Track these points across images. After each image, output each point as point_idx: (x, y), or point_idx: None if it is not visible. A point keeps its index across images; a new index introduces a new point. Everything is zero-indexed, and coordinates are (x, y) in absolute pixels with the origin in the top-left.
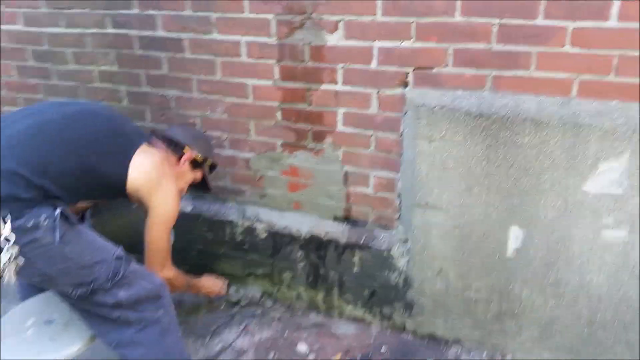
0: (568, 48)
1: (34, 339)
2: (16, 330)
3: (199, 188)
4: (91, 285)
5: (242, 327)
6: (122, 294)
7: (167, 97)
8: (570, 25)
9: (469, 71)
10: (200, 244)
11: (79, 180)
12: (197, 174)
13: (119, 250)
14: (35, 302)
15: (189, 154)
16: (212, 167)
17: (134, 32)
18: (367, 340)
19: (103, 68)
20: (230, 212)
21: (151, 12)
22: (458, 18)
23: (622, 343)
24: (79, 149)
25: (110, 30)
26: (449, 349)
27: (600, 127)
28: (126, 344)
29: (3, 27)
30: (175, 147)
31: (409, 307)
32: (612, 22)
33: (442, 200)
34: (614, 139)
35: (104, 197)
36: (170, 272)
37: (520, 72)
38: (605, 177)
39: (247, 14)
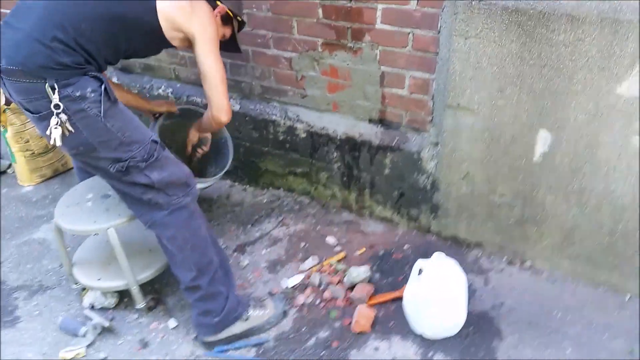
0: None
1: (91, 209)
2: (78, 201)
3: (228, 49)
4: (127, 162)
5: (279, 219)
6: (155, 175)
7: None
8: None
9: None
10: (247, 141)
11: (112, 33)
12: (227, 31)
13: (154, 135)
14: (95, 180)
15: (221, 7)
16: (241, 25)
17: None
18: (392, 239)
19: None
20: (273, 111)
21: None
22: None
23: None
24: (105, 1)
25: None
26: (470, 252)
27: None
28: (158, 224)
29: None
30: (209, 0)
31: (434, 209)
32: None
33: (473, 102)
34: None
35: (145, 47)
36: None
37: None
38: None
39: None
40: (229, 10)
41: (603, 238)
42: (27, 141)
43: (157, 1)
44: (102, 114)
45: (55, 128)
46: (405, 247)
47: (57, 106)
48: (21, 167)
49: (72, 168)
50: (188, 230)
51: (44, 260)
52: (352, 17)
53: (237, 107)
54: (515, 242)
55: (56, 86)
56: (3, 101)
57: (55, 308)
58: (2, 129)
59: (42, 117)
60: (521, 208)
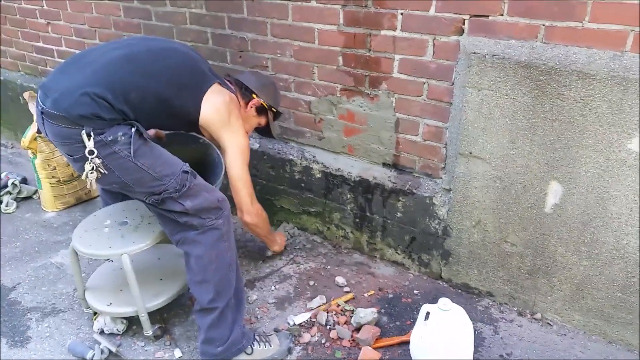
0: None
1: (108, 235)
2: (95, 227)
3: (263, 134)
4: (162, 195)
5: (291, 256)
6: (188, 203)
7: (245, 39)
8: None
9: (523, 20)
10: (264, 179)
11: (155, 109)
12: (262, 120)
13: (185, 166)
14: (114, 207)
15: (255, 100)
16: (276, 115)
17: None
18: (402, 283)
19: (193, 10)
20: (291, 151)
21: None
22: None
23: None
24: (158, 81)
25: None
26: (481, 300)
27: None
28: (188, 242)
29: None
30: (245, 92)
31: (446, 255)
32: None
33: (485, 151)
34: None
35: (177, 127)
36: (258, 205)
37: (573, 23)
38: None
39: None
40: (264, 102)
41: (615, 293)
42: (54, 168)
43: (203, 99)
44: (132, 155)
45: (91, 173)
46: (415, 291)
47: (91, 152)
48: (46, 193)
49: (95, 197)
50: (215, 251)
51: (59, 284)
52: (371, 66)
53: (256, 146)
54: (526, 292)
55: (92, 134)
56: (35, 129)
57: (66, 331)
58: (32, 156)
59: (76, 159)
60: (532, 258)
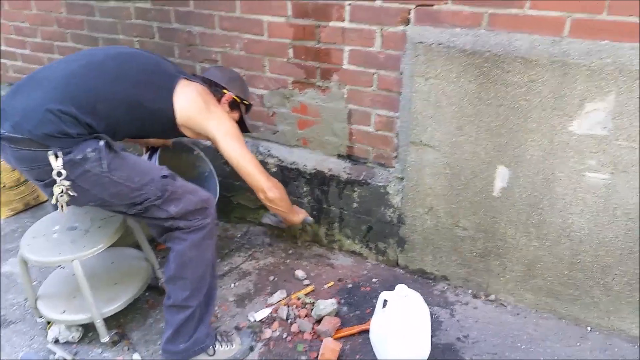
0: None
1: (57, 241)
2: (44, 233)
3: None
4: (143, 204)
5: (249, 253)
6: (173, 209)
7: (193, 33)
8: None
9: (467, 9)
10: (220, 176)
11: (127, 116)
12: (235, 115)
13: (164, 169)
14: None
15: (228, 94)
16: (248, 107)
17: None
18: (360, 272)
19: (138, 4)
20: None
21: None
22: None
23: (600, 286)
24: (124, 85)
25: None
26: (437, 285)
27: (588, 67)
28: (174, 238)
29: None
30: (216, 88)
31: (401, 243)
32: None
33: (435, 139)
34: (601, 79)
35: (157, 132)
36: (273, 178)
37: (515, 10)
38: (591, 118)
39: None
40: (236, 96)
41: (563, 271)
42: None
43: (174, 95)
44: (106, 170)
45: (61, 196)
46: (374, 280)
47: (59, 174)
48: None
49: (44, 201)
50: (197, 249)
51: (9, 294)
52: (321, 58)
53: (208, 143)
54: (480, 275)
55: (59, 154)
56: None
57: (18, 342)
58: None
59: (47, 184)
60: (484, 241)
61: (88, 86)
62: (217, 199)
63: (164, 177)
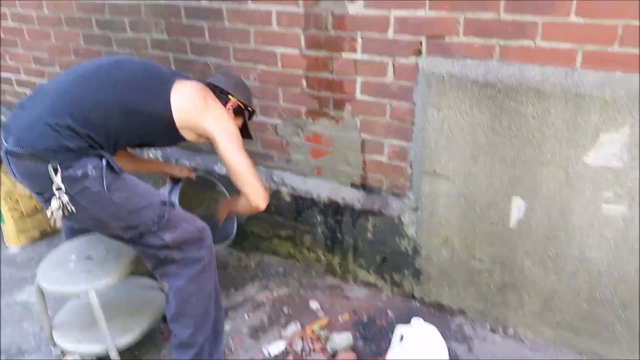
0: (573, 18)
1: (74, 270)
2: (61, 263)
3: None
4: (139, 229)
5: (263, 283)
6: (167, 236)
7: (209, 64)
8: None
9: (478, 40)
10: None
11: (124, 123)
12: (239, 121)
13: (163, 195)
14: (79, 241)
15: (233, 100)
16: (251, 114)
17: (181, 3)
18: (376, 304)
19: (155, 36)
20: (259, 175)
21: None
22: None
23: (621, 321)
24: (118, 91)
25: (162, 1)
26: (454, 318)
27: (602, 98)
28: (170, 274)
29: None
30: (221, 94)
31: (417, 274)
32: None
33: (448, 169)
34: (615, 111)
35: (157, 138)
36: (265, 188)
37: (526, 42)
38: (606, 150)
39: None
40: (240, 102)
41: (582, 305)
42: (17, 201)
43: (171, 97)
44: (105, 189)
45: (58, 209)
46: (389, 312)
47: (59, 188)
48: (9, 227)
49: (60, 230)
50: (196, 284)
51: (25, 323)
52: (334, 88)
53: (223, 171)
54: (497, 308)
55: (59, 168)
56: None
57: None
58: None
59: (47, 198)
60: (500, 274)
61: (80, 97)
62: (233, 235)
63: (163, 203)
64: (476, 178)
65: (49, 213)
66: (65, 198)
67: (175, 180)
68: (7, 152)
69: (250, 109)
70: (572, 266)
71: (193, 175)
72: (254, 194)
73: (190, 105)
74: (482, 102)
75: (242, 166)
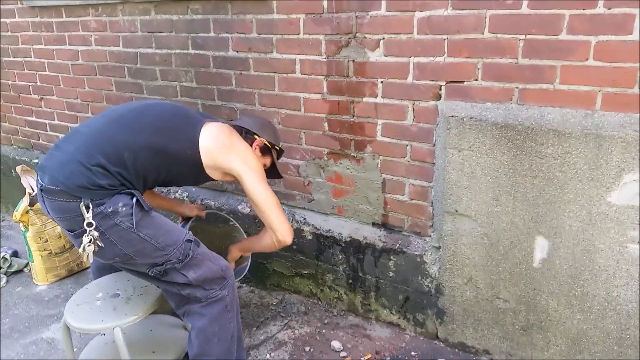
0: (591, 62)
1: (100, 308)
2: (88, 300)
3: (270, 175)
4: (164, 266)
5: (285, 322)
6: (191, 274)
7: (235, 109)
8: (593, 39)
9: (497, 84)
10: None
11: (153, 162)
12: (267, 160)
13: (189, 234)
14: (106, 279)
15: (259, 140)
16: (279, 154)
17: (210, 53)
18: (399, 344)
19: (184, 84)
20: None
21: (225, 34)
22: (487, 34)
23: None
24: (148, 131)
25: (191, 51)
26: (479, 359)
27: (624, 139)
28: (193, 314)
29: (108, 48)
30: (247, 135)
31: (440, 314)
32: (635, 35)
33: (470, 209)
34: (637, 151)
35: (184, 177)
36: (290, 226)
37: (545, 85)
38: (630, 189)
39: (302, 35)
40: (267, 142)
41: (611, 346)
42: (46, 241)
43: (200, 138)
44: (134, 226)
45: (89, 245)
46: (413, 353)
47: (89, 224)
48: (37, 266)
49: (87, 268)
50: (219, 323)
51: None
52: (355, 130)
53: (247, 210)
54: (523, 349)
55: (90, 205)
56: (27, 202)
57: None
58: (23, 229)
59: (77, 234)
60: (525, 314)
61: (112, 138)
62: (247, 269)
63: (188, 241)
64: (499, 218)
65: (80, 249)
66: (96, 234)
67: (187, 219)
68: (42, 190)
69: (277, 148)
70: (599, 306)
71: (203, 214)
72: (281, 229)
73: (217, 145)
74: (503, 143)
75: (268, 202)
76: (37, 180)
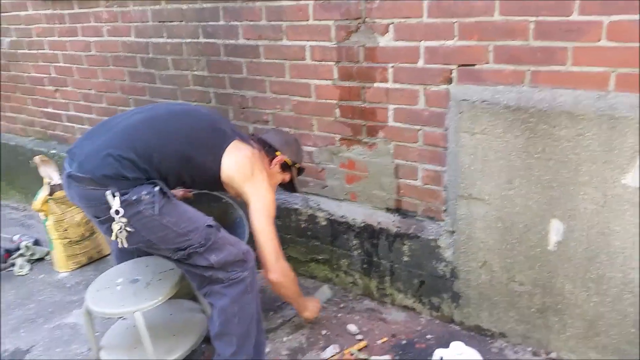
0: (604, 42)
1: (120, 293)
2: (108, 286)
3: (286, 189)
4: (187, 250)
5: None
6: (213, 258)
7: (246, 97)
8: (606, 19)
9: (509, 67)
10: None
11: (178, 167)
12: (286, 176)
13: (209, 220)
14: (126, 265)
15: (280, 157)
16: (300, 171)
17: (220, 41)
18: (414, 328)
19: (196, 73)
20: (295, 201)
21: (234, 22)
22: (497, 17)
23: None
24: (179, 139)
25: (202, 40)
26: (494, 342)
27: (638, 120)
28: (214, 294)
29: (120, 38)
30: (269, 150)
31: (456, 298)
32: None
33: (484, 192)
34: None
35: (202, 185)
36: (284, 263)
37: (557, 67)
38: None
39: (311, 21)
40: (287, 159)
41: (628, 329)
42: (66, 229)
43: (224, 155)
44: (157, 213)
45: (120, 232)
46: (428, 336)
47: (117, 212)
48: (58, 254)
49: (106, 255)
50: (239, 304)
51: (74, 344)
52: (367, 116)
53: None
54: (539, 331)
55: (116, 194)
56: (47, 191)
57: None
58: (43, 218)
59: (102, 221)
60: (541, 297)
61: (147, 136)
62: (245, 240)
63: (209, 226)
64: (513, 201)
65: (112, 236)
66: (124, 220)
67: None
68: (69, 176)
69: (298, 166)
70: (615, 288)
71: (190, 195)
72: (269, 264)
73: (237, 170)
74: (515, 126)
75: (266, 236)
76: (64, 167)
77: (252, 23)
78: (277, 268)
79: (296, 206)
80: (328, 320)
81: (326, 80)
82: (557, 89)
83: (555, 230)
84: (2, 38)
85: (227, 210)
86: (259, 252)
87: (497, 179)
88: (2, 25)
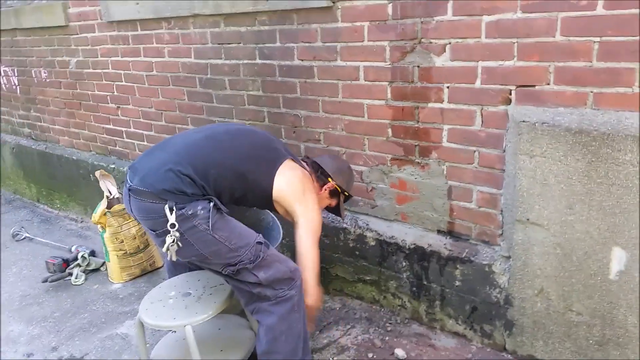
0: None
1: (172, 306)
2: (161, 298)
3: (331, 212)
4: (237, 266)
5: (347, 327)
6: (262, 275)
7: (299, 116)
8: None
9: (570, 89)
10: (319, 247)
11: (233, 184)
12: (333, 201)
13: (259, 237)
14: (178, 279)
15: (330, 183)
16: (347, 198)
17: (276, 62)
18: (465, 355)
19: (251, 92)
20: (344, 220)
21: (290, 44)
22: (558, 37)
23: None
24: (236, 156)
25: (259, 61)
26: None
27: None
28: (262, 311)
29: (180, 59)
30: (321, 175)
31: (509, 326)
32: None
33: (543, 217)
34: None
35: (254, 202)
36: (320, 289)
37: (622, 89)
38: None
39: (366, 42)
40: (338, 186)
41: None
42: (122, 242)
43: (277, 174)
44: (210, 228)
45: (172, 245)
46: None
47: (172, 225)
48: (113, 265)
49: (159, 267)
50: (287, 322)
51: (124, 354)
52: (420, 136)
53: None
54: None
55: (174, 208)
56: (105, 205)
57: None
58: (101, 230)
59: (159, 234)
60: (601, 328)
61: (205, 154)
62: (279, 242)
63: (259, 243)
64: (572, 227)
65: (164, 248)
66: (177, 234)
67: None
68: (130, 189)
69: (346, 193)
70: None
71: None
72: (309, 288)
73: (289, 190)
74: (577, 150)
75: (309, 258)
76: (126, 181)
77: (307, 44)
78: (315, 294)
79: (345, 225)
80: (374, 343)
81: (379, 100)
82: (622, 112)
83: (618, 259)
84: (70, 59)
85: (259, 215)
86: (303, 271)
87: (556, 203)
88: (71, 47)
